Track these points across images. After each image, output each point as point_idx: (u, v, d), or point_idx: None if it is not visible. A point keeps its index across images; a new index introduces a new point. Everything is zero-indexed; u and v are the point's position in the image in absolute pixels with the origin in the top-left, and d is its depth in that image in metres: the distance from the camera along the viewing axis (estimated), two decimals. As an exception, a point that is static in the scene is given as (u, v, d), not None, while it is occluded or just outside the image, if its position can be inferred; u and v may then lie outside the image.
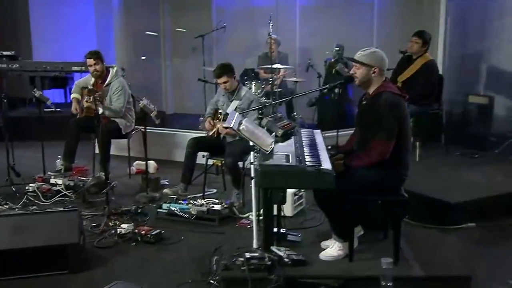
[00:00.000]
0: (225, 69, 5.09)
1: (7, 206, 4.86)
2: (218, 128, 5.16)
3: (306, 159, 3.46)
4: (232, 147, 4.99)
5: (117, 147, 6.51)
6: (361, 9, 8.49)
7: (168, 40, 9.28)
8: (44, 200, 5.08)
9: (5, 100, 5.78)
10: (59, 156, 5.91)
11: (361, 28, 8.27)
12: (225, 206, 4.67)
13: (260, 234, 3.69)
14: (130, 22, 8.54)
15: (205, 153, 5.26)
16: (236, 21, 8.54)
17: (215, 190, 5.53)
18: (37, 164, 5.81)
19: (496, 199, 4.69)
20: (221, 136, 5.20)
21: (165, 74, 9.39)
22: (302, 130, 4.32)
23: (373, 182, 3.60)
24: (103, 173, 5.32)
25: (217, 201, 4.77)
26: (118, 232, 4.23)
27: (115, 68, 5.97)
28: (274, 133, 3.61)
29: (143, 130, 5.50)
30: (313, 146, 3.86)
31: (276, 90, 6.96)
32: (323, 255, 3.75)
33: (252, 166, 3.67)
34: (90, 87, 5.85)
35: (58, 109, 8.18)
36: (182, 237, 4.28)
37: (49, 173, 5.59)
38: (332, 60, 7.30)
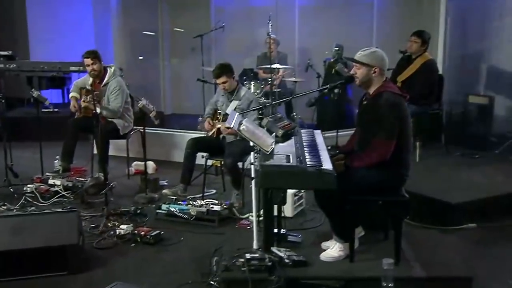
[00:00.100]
0: (224, 69, 5.07)
1: (5, 207, 4.84)
2: (217, 128, 5.14)
3: (307, 160, 3.45)
4: (231, 147, 4.97)
5: (115, 147, 6.49)
6: (361, 9, 8.48)
7: (166, 40, 9.27)
8: (43, 201, 5.05)
9: (2, 101, 5.76)
10: (57, 157, 5.88)
11: (360, 28, 8.27)
12: (224, 206, 4.65)
13: (260, 235, 3.68)
14: (128, 22, 8.52)
15: (205, 154, 5.23)
16: (235, 21, 8.52)
17: (214, 191, 5.51)
18: (35, 165, 5.79)
19: (497, 200, 4.68)
20: (221, 136, 5.18)
21: (163, 74, 9.37)
22: (302, 131, 4.31)
23: (374, 182, 3.59)
24: (101, 174, 5.30)
25: (216, 201, 4.75)
26: (117, 233, 4.21)
27: (113, 68, 5.94)
28: (274, 134, 3.60)
29: (141, 130, 5.48)
30: (313, 146, 3.84)
31: (275, 90, 6.94)
32: (323, 256, 3.74)
33: (252, 166, 3.65)
34: (88, 87, 5.82)
35: (56, 109, 8.15)
36: (182, 238, 4.26)
37: (47, 173, 5.56)
38: (332, 60, 7.29)
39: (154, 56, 9.25)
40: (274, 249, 3.61)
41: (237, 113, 3.75)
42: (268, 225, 3.63)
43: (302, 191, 4.81)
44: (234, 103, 5.12)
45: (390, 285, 3.12)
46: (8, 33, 9.36)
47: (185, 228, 4.46)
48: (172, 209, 4.63)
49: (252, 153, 3.64)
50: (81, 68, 6.76)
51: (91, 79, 5.90)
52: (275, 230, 3.89)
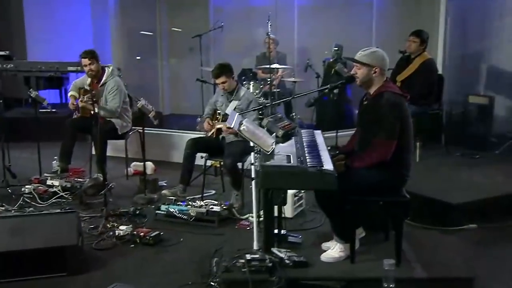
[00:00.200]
0: (224, 69, 5.05)
1: (3, 208, 4.81)
2: (217, 129, 5.12)
3: (308, 160, 3.43)
4: (231, 147, 4.95)
5: (114, 148, 6.46)
6: (360, 9, 8.45)
7: (164, 39, 9.24)
8: (41, 202, 5.03)
9: (0, 101, 5.72)
10: (55, 157, 5.85)
11: (360, 28, 8.24)
12: (224, 207, 4.64)
13: (260, 236, 3.66)
14: (126, 21, 8.47)
15: (204, 154, 5.21)
16: (234, 20, 8.49)
17: (213, 191, 5.49)
18: (33, 165, 5.76)
19: (497, 200, 4.67)
20: (220, 136, 5.16)
21: (161, 74, 9.34)
22: (302, 131, 4.29)
23: (375, 182, 3.57)
24: (100, 175, 5.27)
25: (216, 202, 4.73)
26: (117, 234, 4.20)
27: (111, 68, 5.91)
28: (274, 134, 3.59)
29: (140, 130, 5.45)
30: (314, 146, 3.83)
31: (274, 90, 6.92)
32: (324, 257, 3.72)
33: (252, 167, 3.64)
34: (86, 87, 5.79)
35: (54, 110, 8.10)
36: (181, 239, 4.25)
37: (45, 174, 5.54)
38: (331, 60, 7.27)
39: (152, 56, 9.22)
40: (274, 249, 3.60)
41: (237, 113, 3.73)
42: (269, 225, 3.61)
43: (302, 191, 4.79)
44: (234, 103, 5.10)
45: (391, 286, 3.10)
46: (5, 33, 9.31)
47: (185, 228, 4.44)
48: (172, 210, 4.61)
49: (252, 153, 3.63)
50: (79, 68, 6.71)
51: (89, 79, 5.87)
52: (275, 231, 3.87)
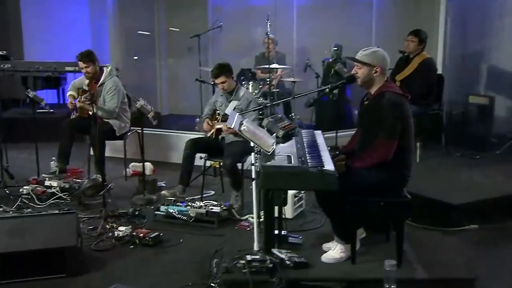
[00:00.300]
0: (223, 69, 5.03)
1: (1, 209, 4.78)
2: (216, 129, 5.10)
3: (308, 160, 3.42)
4: (231, 148, 4.93)
5: (112, 148, 6.43)
6: (360, 9, 8.43)
7: (163, 39, 9.21)
8: (39, 203, 4.99)
9: (-2, 101, 5.71)
10: (53, 158, 5.82)
11: (359, 28, 8.23)
12: (224, 208, 4.61)
13: (261, 236, 3.64)
14: (124, 21, 8.45)
15: (203, 155, 5.19)
16: (233, 20, 8.47)
17: (213, 192, 5.47)
18: (31, 166, 5.72)
19: (498, 201, 4.66)
20: (220, 137, 5.14)
21: (160, 74, 9.31)
22: (302, 131, 4.28)
23: (375, 183, 3.56)
24: (99, 175, 5.24)
25: (215, 203, 4.71)
26: (116, 235, 4.17)
27: (109, 68, 5.87)
28: (275, 134, 3.57)
29: (139, 131, 5.42)
30: (314, 147, 3.82)
31: (273, 90, 6.90)
32: (325, 258, 3.71)
33: (253, 167, 3.62)
34: (85, 87, 5.76)
35: (51, 110, 8.07)
36: (181, 240, 4.22)
37: (43, 175, 5.51)
38: (331, 60, 7.26)
39: (151, 56, 9.19)
40: (275, 250, 3.59)
41: (238, 113, 3.72)
42: (269, 226, 3.60)
43: (303, 192, 4.77)
44: (233, 103, 5.07)
45: (392, 286, 3.09)
46: (2, 33, 9.27)
47: (184, 229, 4.42)
48: (171, 211, 4.59)
49: (252, 153, 3.61)
50: (76, 68, 6.71)
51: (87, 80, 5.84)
52: (276, 232, 3.86)
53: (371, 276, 3.43)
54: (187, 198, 4.97)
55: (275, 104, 5.64)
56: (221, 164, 5.23)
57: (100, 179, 5.05)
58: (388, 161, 3.52)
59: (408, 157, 3.65)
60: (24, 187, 5.20)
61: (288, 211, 4.54)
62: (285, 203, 4.01)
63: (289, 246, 3.85)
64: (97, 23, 8.28)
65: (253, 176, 3.63)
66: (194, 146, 5.15)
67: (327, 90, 3.95)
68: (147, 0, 9.09)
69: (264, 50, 7.33)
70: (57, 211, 4.43)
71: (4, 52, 7.95)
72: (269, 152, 3.37)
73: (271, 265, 3.39)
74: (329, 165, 3.34)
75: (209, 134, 5.20)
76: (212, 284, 3.37)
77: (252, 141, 3.44)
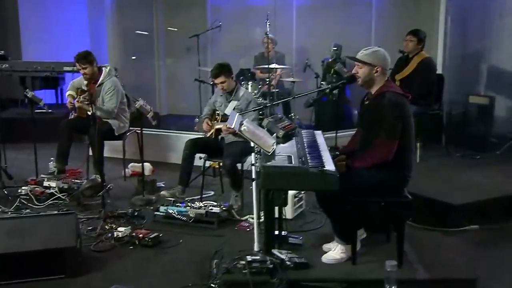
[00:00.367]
0: (223, 69, 5.01)
1: (-1, 210, 4.76)
2: (216, 129, 5.09)
3: (309, 160, 3.41)
4: (230, 148, 4.91)
5: (111, 148, 6.40)
6: (359, 8, 8.41)
7: (161, 39, 9.18)
8: (38, 203, 4.97)
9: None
10: (52, 158, 5.79)
11: (359, 28, 8.21)
12: (223, 208, 4.60)
13: (261, 237, 3.63)
14: (123, 21, 8.42)
15: (203, 155, 5.17)
16: (232, 20, 8.45)
17: (212, 193, 5.45)
18: (29, 167, 5.70)
19: (499, 201, 4.65)
20: (219, 137, 5.12)
21: (158, 74, 9.29)
22: (303, 131, 4.27)
23: (376, 183, 3.56)
24: (98, 176, 5.22)
25: (215, 203, 4.69)
26: (115, 235, 4.15)
27: (108, 68, 5.85)
28: (275, 134, 3.56)
29: (138, 131, 5.40)
30: (315, 147, 3.81)
31: (273, 90, 6.89)
32: (325, 258, 3.71)
33: (253, 167, 3.60)
34: (84, 87, 5.74)
35: (50, 110, 8.06)
36: (181, 240, 4.20)
37: (42, 175, 5.48)
38: (330, 60, 7.25)
39: (149, 56, 9.16)
40: (275, 251, 3.59)
41: (238, 114, 3.71)
42: (269, 227, 3.59)
43: (302, 192, 4.76)
44: (233, 104, 5.06)
45: (393, 287, 3.07)
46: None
47: (184, 230, 4.40)
48: (171, 211, 4.56)
49: (253, 154, 3.59)
50: (75, 68, 6.65)
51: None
52: (276, 232, 3.84)
53: (371, 276, 3.42)
54: (186, 199, 4.95)
55: (275, 104, 5.62)
56: (221, 164, 5.22)
57: (99, 180, 5.03)
58: (389, 161, 3.51)
59: (408, 157, 3.65)
60: (23, 187, 5.17)
61: (288, 212, 4.53)
62: (285, 204, 4.00)
63: (290, 247, 3.85)
64: (96, 22, 8.23)
65: (253, 176, 3.62)
66: (194, 147, 5.14)
67: (328, 90, 3.93)
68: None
69: (263, 50, 7.32)
70: (56, 212, 4.41)
71: (2, 52, 7.93)
72: (269, 152, 3.36)
73: (271, 266, 3.38)
74: (329, 165, 3.33)
75: (208, 134, 5.19)
76: (212, 284, 3.35)
77: (252, 141, 3.43)
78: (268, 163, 3.31)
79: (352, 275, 3.50)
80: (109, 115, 5.71)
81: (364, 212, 3.79)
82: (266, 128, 3.63)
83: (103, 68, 5.82)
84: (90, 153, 5.76)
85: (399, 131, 3.52)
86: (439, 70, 6.65)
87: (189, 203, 4.69)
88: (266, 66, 6.63)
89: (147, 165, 6.04)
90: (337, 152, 4.00)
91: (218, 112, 5.22)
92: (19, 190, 5.15)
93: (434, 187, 4.83)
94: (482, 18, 6.99)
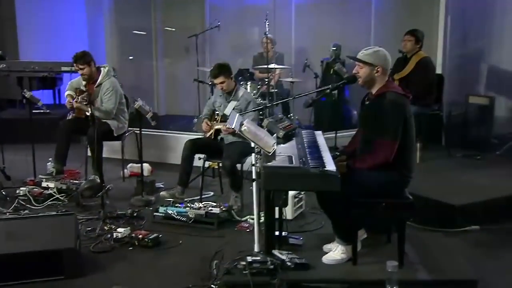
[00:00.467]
0: (222, 69, 5.00)
1: (-3, 211, 4.74)
2: (215, 130, 5.07)
3: (310, 161, 3.38)
4: (230, 149, 4.89)
5: (109, 149, 6.38)
6: (358, 8, 8.38)
7: (160, 39, 9.15)
8: (36, 204, 4.95)
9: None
10: (50, 159, 5.76)
11: (358, 27, 8.18)
12: (223, 209, 4.58)
13: (261, 238, 3.61)
14: (121, 21, 8.39)
15: (202, 155, 5.15)
16: (230, 20, 8.42)
17: (212, 193, 5.43)
18: (27, 167, 5.66)
19: (499, 201, 4.65)
20: (219, 137, 5.11)
21: (156, 74, 9.25)
22: (303, 131, 4.25)
23: (377, 184, 3.53)
24: (96, 176, 5.19)
25: (215, 204, 4.67)
26: (115, 236, 4.13)
27: (107, 68, 5.82)
28: (275, 135, 3.54)
29: (137, 132, 5.38)
30: (315, 147, 3.78)
31: (272, 90, 6.87)
32: (326, 259, 3.68)
33: (253, 168, 3.59)
34: (82, 87, 5.72)
35: (48, 111, 8.03)
36: (180, 241, 4.19)
37: (40, 176, 5.46)
38: (329, 60, 7.23)
39: (148, 56, 9.13)
40: (275, 252, 3.57)
41: (238, 114, 3.69)
42: (270, 227, 3.58)
43: (302, 193, 4.74)
44: (232, 104, 5.04)
45: (394, 288, 3.06)
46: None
47: (184, 231, 4.39)
48: (170, 212, 4.55)
49: (253, 154, 3.57)
50: (72, 68, 6.64)
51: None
52: (276, 233, 3.83)
53: (372, 277, 3.40)
54: (186, 199, 4.94)
55: (275, 105, 5.60)
56: (220, 165, 5.20)
57: (98, 180, 5.01)
58: (390, 162, 3.49)
59: (409, 157, 3.62)
60: (21, 188, 5.15)
61: (288, 212, 4.51)
62: (286, 204, 3.98)
63: (290, 247, 3.82)
64: (94, 22, 8.21)
65: (254, 176, 3.60)
66: (193, 147, 5.12)
67: (328, 90, 3.91)
68: (144, -1, 9.05)
69: (262, 50, 7.30)
70: (55, 213, 4.39)
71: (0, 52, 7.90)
72: (270, 152, 3.35)
73: (272, 267, 3.36)
74: (330, 166, 3.31)
75: (208, 135, 5.17)
76: (212, 285, 3.34)
77: (253, 142, 3.42)
78: (269, 164, 3.29)
79: (353, 276, 3.49)
80: (108, 116, 5.69)
81: (365, 212, 3.78)
82: (266, 129, 3.61)
83: (102, 68, 5.79)
84: (89, 153, 5.73)
85: (400, 132, 3.50)
86: (439, 70, 6.65)
87: (188, 204, 4.67)
88: (265, 66, 6.60)
89: (145, 166, 6.00)
90: (337, 153, 3.97)
91: (217, 112, 5.21)
92: (17, 191, 5.13)
93: (435, 187, 4.82)
94: (482, 18, 6.99)
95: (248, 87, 6.72)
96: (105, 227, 4.35)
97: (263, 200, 3.54)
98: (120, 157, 6.07)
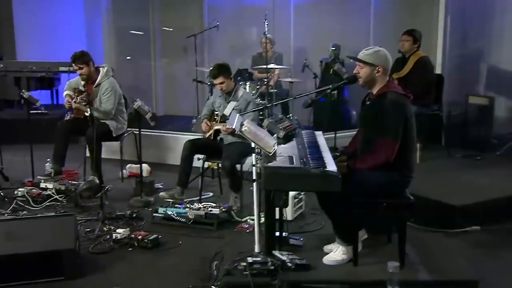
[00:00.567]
0: (222, 70, 4.98)
1: (-4, 211, 4.72)
2: (215, 130, 5.06)
3: (310, 161, 3.38)
4: (229, 149, 4.87)
5: (108, 150, 6.35)
6: (358, 8, 8.37)
7: (158, 39, 9.13)
8: (35, 205, 4.92)
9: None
10: (49, 160, 5.74)
11: (357, 27, 8.16)
12: (223, 210, 4.56)
13: (261, 238, 3.60)
14: (119, 21, 8.37)
15: (201, 156, 5.13)
16: (229, 19, 8.40)
17: (211, 194, 5.41)
18: (25, 168, 5.63)
19: (500, 202, 4.64)
20: (218, 138, 5.09)
21: (155, 74, 9.22)
22: (303, 132, 4.24)
23: (378, 184, 3.54)
24: (95, 177, 5.17)
25: (214, 204, 4.66)
26: (114, 237, 4.11)
27: (106, 68, 5.79)
28: (275, 135, 3.53)
29: (136, 132, 5.36)
30: (316, 147, 3.78)
31: (271, 91, 6.86)
32: (326, 259, 3.69)
33: (254, 168, 3.57)
34: (81, 87, 5.70)
35: (46, 111, 8.00)
36: (180, 242, 4.17)
37: (38, 177, 5.43)
38: (329, 60, 7.22)
39: (146, 56, 9.10)
40: (276, 252, 3.57)
41: (238, 114, 3.68)
42: (270, 228, 3.57)
43: (302, 193, 4.73)
44: (232, 104, 5.03)
45: (395, 288, 3.05)
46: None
47: (183, 231, 4.37)
48: (169, 213, 4.53)
49: (253, 154, 3.56)
50: (71, 68, 6.63)
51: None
52: (277, 233, 3.82)
53: (373, 278, 3.40)
54: (185, 200, 4.92)
55: (275, 105, 5.59)
56: (220, 165, 5.18)
57: (97, 181, 4.99)
58: (391, 162, 3.48)
59: (410, 157, 3.63)
60: (19, 189, 5.13)
61: (288, 213, 4.50)
62: (286, 205, 3.97)
63: (290, 248, 3.83)
64: (92, 22, 8.18)
65: (254, 177, 3.59)
66: (193, 147, 5.10)
67: (329, 90, 3.90)
68: (142, -1, 9.03)
69: (261, 50, 7.28)
70: (54, 213, 4.37)
71: (-4, 52, 7.89)
72: (270, 153, 3.33)
73: (272, 267, 3.36)
74: (331, 166, 3.31)
75: (207, 135, 5.16)
76: (213, 286, 3.33)
77: (254, 142, 3.41)
78: (270, 164, 3.29)
79: (354, 277, 3.49)
80: (106, 116, 5.66)
81: (366, 213, 3.77)
82: (266, 129, 3.60)
83: (101, 69, 5.76)
84: (87, 154, 5.71)
85: (401, 132, 3.49)
86: (438, 70, 6.65)
87: (188, 204, 4.66)
88: (264, 66, 6.59)
89: (145, 166, 5.99)
90: (336, 153, 3.97)
91: (217, 112, 5.19)
92: (16, 192, 5.11)
93: (435, 188, 4.82)
94: (481, 18, 6.99)
95: (247, 87, 6.70)
96: (104, 228, 4.33)
97: (264, 201, 3.53)
98: (119, 158, 6.05)
